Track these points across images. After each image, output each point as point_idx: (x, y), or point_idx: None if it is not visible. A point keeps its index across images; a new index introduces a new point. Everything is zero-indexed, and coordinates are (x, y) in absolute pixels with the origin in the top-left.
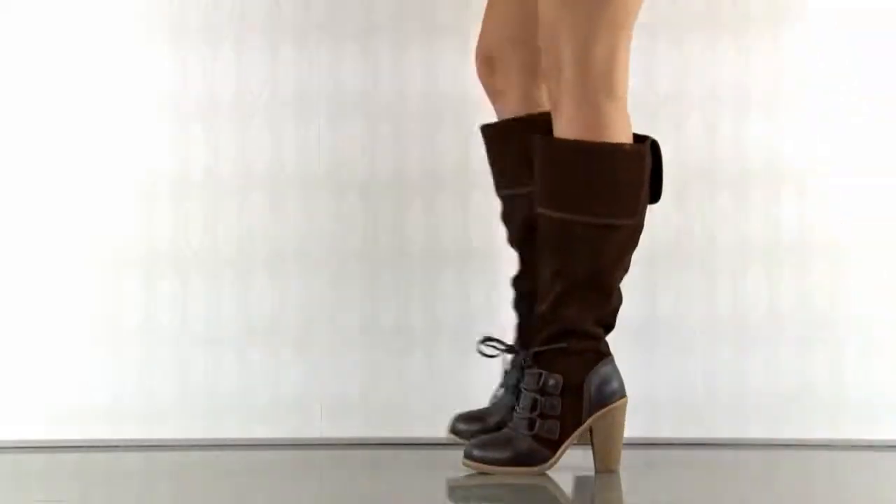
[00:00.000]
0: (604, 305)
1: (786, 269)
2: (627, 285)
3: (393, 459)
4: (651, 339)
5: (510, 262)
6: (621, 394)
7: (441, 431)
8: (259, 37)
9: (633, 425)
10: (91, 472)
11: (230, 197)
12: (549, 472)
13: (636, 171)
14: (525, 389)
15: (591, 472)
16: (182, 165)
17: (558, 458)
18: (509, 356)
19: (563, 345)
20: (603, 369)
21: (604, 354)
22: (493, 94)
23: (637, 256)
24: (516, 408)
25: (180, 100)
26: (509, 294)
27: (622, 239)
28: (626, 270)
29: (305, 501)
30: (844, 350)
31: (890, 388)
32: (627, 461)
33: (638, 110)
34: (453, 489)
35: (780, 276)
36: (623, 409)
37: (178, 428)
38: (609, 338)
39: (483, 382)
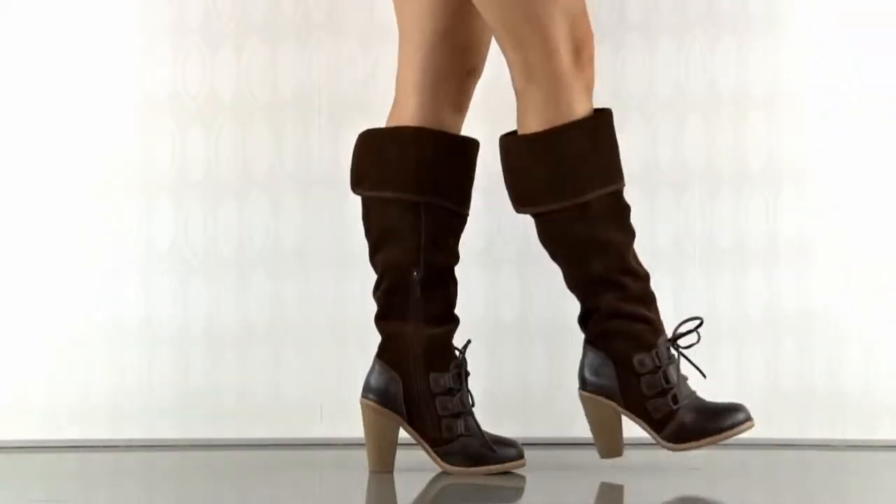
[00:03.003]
0: None
1: (786, 269)
2: None
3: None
4: None
5: (510, 261)
6: None
7: None
8: (259, 37)
9: (632, 426)
10: (91, 472)
11: (230, 197)
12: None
13: None
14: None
15: (580, 471)
16: (182, 165)
17: None
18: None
19: None
20: None
21: None
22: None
23: (637, 256)
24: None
25: (180, 100)
26: (508, 293)
27: None
28: None
29: (305, 501)
30: (844, 350)
31: (890, 388)
32: (629, 461)
33: (638, 110)
34: (448, 489)
35: (780, 276)
36: None
37: (178, 428)
38: None
39: (482, 382)
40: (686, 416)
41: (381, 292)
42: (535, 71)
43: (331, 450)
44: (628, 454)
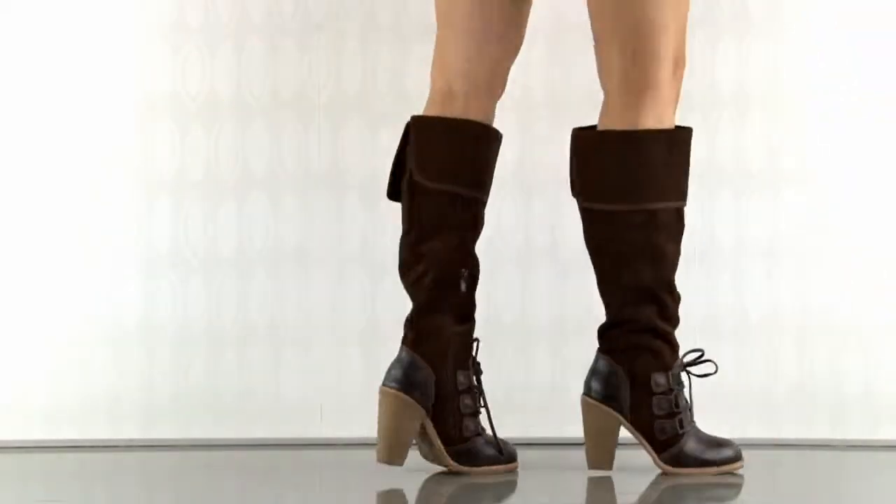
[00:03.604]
0: None
1: (786, 269)
2: None
3: None
4: None
5: (509, 261)
6: None
7: None
8: (259, 37)
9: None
10: (91, 472)
11: (230, 197)
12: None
13: None
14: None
15: (584, 471)
16: (182, 165)
17: None
18: None
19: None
20: None
21: None
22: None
23: None
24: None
25: (180, 100)
26: (507, 293)
27: None
28: None
29: (305, 501)
30: (844, 350)
31: (890, 388)
32: (626, 462)
33: None
34: (448, 489)
35: (780, 276)
36: None
37: (178, 428)
38: None
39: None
40: (687, 443)
41: (427, 284)
42: (638, 76)
43: (331, 450)
44: (627, 454)
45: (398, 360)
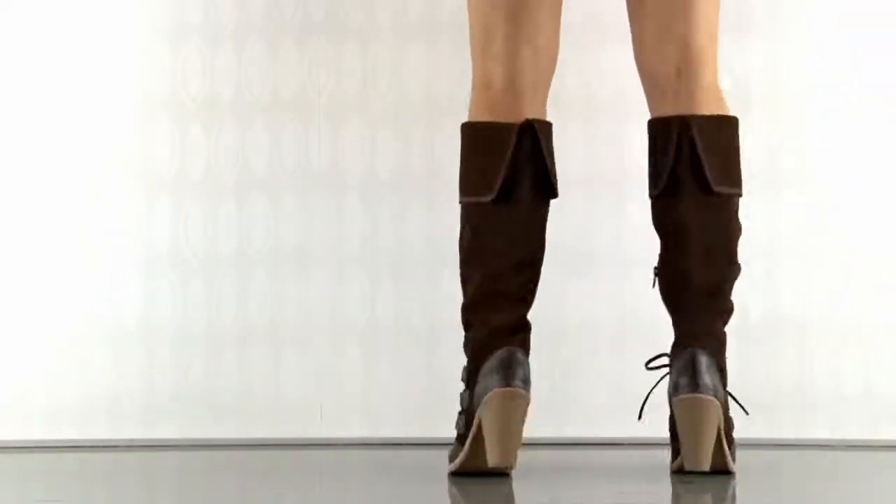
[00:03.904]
0: None
1: (786, 269)
2: (626, 285)
3: (393, 459)
4: (652, 339)
5: None
6: None
7: (442, 431)
8: (259, 37)
9: (635, 426)
10: (91, 472)
11: (230, 197)
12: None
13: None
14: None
15: (585, 471)
16: (182, 165)
17: None
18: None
19: None
20: None
21: None
22: None
23: (637, 257)
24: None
25: (180, 100)
26: None
27: None
28: None
29: (305, 501)
30: (844, 350)
31: (890, 388)
32: (627, 461)
33: (639, 110)
34: (450, 490)
35: (780, 276)
36: None
37: (178, 428)
38: (610, 338)
39: None
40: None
41: (532, 286)
42: (713, 67)
43: (331, 450)
44: (625, 454)
45: (501, 360)
